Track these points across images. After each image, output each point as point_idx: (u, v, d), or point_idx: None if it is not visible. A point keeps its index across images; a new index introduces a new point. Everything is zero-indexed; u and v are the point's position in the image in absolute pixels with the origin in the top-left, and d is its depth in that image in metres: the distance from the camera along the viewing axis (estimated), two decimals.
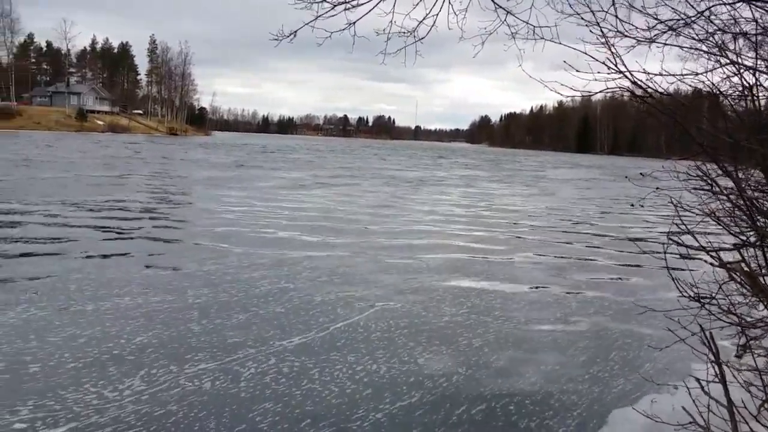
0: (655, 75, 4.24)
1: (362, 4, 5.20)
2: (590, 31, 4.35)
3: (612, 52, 4.18)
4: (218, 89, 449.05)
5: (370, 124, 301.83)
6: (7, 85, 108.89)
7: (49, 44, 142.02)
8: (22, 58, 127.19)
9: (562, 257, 14.42)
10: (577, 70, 4.18)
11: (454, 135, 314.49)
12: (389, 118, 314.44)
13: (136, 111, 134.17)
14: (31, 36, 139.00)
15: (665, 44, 4.45)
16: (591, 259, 14.27)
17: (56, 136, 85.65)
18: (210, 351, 7.12)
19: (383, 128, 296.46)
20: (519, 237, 17.14)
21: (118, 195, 21.99)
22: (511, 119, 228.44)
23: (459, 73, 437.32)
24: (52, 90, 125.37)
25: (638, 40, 4.46)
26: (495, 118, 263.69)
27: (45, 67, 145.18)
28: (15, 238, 13.15)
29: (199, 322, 8.16)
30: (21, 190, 21.73)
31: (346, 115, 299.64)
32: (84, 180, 26.90)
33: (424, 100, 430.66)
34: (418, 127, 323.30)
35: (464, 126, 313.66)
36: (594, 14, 4.34)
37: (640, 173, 5.07)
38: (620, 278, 12.40)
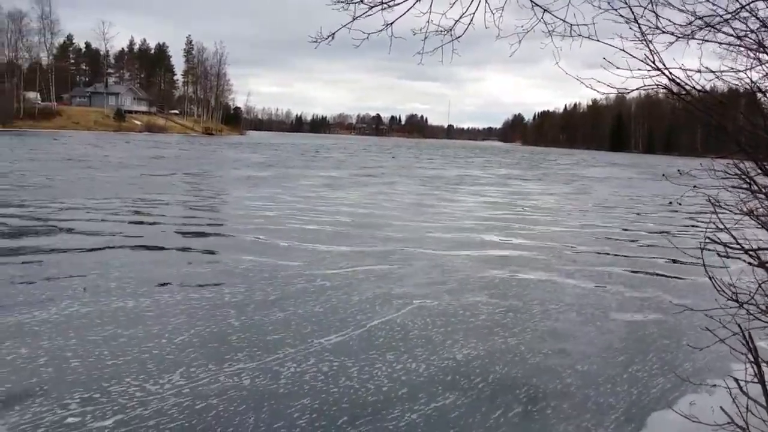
0: (694, 72, 4.22)
1: (399, 4, 5.25)
2: (629, 27, 4.34)
3: (650, 49, 4.18)
4: (252, 89, 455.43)
5: (403, 122, 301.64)
6: (47, 86, 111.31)
7: (88, 45, 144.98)
8: (61, 59, 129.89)
9: (600, 255, 14.32)
10: (617, 68, 4.18)
11: (487, 133, 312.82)
12: (422, 116, 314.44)
13: (172, 111, 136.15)
14: (70, 37, 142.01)
15: (704, 41, 4.42)
16: (629, 258, 14.13)
17: (96, 135, 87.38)
18: (249, 349, 7.23)
19: (416, 127, 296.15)
20: (556, 235, 17.03)
21: (158, 193, 22.41)
22: (544, 117, 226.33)
23: (492, 71, 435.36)
24: (91, 90, 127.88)
25: (676, 37, 4.44)
26: (528, 117, 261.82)
27: (84, 68, 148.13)
28: (60, 236, 13.47)
29: (238, 318, 8.30)
30: (67, 189, 22.27)
31: (378, 114, 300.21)
32: (129, 179, 27.44)
33: (456, 98, 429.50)
34: (450, 126, 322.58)
35: (497, 124, 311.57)
36: (632, 10, 4.33)
37: (678, 171, 5.04)
38: (658, 277, 12.26)
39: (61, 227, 14.60)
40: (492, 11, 5.23)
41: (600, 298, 10.39)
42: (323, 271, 11.24)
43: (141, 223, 15.83)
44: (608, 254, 14.55)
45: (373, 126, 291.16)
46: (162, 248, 12.86)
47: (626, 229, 19.02)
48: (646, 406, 6.32)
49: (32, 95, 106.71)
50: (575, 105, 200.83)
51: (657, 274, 12.54)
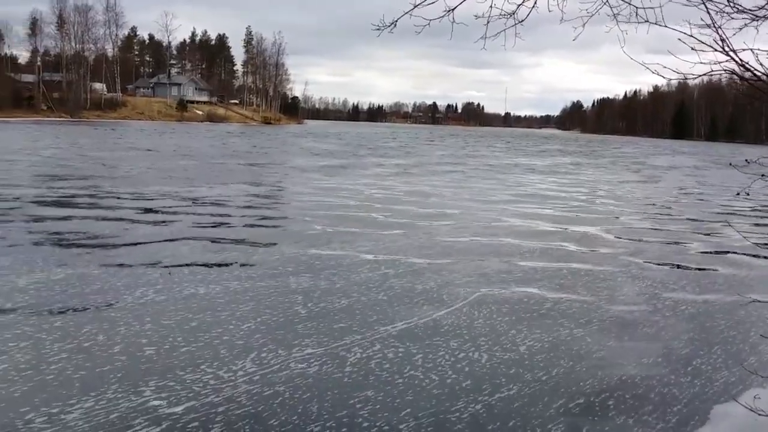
0: (765, 55, 4.08)
1: None
2: (698, 8, 4.22)
3: (719, 34, 4.07)
4: (310, 78, 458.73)
5: (459, 111, 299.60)
6: (112, 77, 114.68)
7: (151, 37, 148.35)
8: (126, 51, 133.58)
9: (672, 246, 13.98)
10: (691, 49, 4.08)
11: (545, 121, 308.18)
12: (478, 104, 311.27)
13: (232, 101, 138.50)
14: (134, 29, 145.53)
15: None
16: (700, 249, 13.74)
17: (160, 125, 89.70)
18: (316, 336, 7.31)
19: (472, 115, 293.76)
20: (627, 224, 16.72)
21: (231, 182, 22.87)
22: (603, 105, 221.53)
23: (549, 57, 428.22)
24: (155, 81, 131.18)
25: (749, 19, 4.29)
26: (587, 104, 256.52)
27: (147, 59, 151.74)
28: (134, 224, 13.87)
29: (305, 306, 8.39)
30: (142, 178, 22.97)
31: (435, 103, 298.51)
32: (198, 167, 28.14)
33: (513, 85, 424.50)
34: (507, 114, 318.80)
35: (554, 112, 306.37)
36: None
37: (745, 160, 4.90)
38: (729, 268, 11.92)
39: (135, 216, 15.02)
40: None
41: (669, 289, 10.13)
42: (386, 259, 11.28)
43: (212, 213, 16.14)
44: (679, 244, 14.18)
45: (429, 114, 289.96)
46: (232, 236, 13.09)
47: (696, 219, 18.50)
48: (709, 399, 6.18)
49: (98, 86, 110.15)
50: (635, 92, 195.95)
51: (726, 265, 12.18)
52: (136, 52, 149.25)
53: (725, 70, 4.13)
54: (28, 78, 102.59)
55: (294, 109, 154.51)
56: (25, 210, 15.17)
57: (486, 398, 5.95)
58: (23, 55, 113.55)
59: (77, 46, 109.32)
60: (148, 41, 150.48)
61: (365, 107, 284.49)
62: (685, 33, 4.13)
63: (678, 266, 11.94)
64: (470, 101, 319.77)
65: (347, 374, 6.34)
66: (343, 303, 8.62)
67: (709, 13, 4.14)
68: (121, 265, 10.22)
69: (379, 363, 6.64)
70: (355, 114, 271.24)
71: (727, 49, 3.99)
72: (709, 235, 15.83)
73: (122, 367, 6.27)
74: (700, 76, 4.28)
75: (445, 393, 6.02)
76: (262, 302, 8.50)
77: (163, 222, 14.29)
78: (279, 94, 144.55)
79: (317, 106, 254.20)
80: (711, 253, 13.51)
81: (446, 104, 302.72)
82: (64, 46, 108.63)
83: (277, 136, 71.96)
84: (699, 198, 25.08)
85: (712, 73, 4.20)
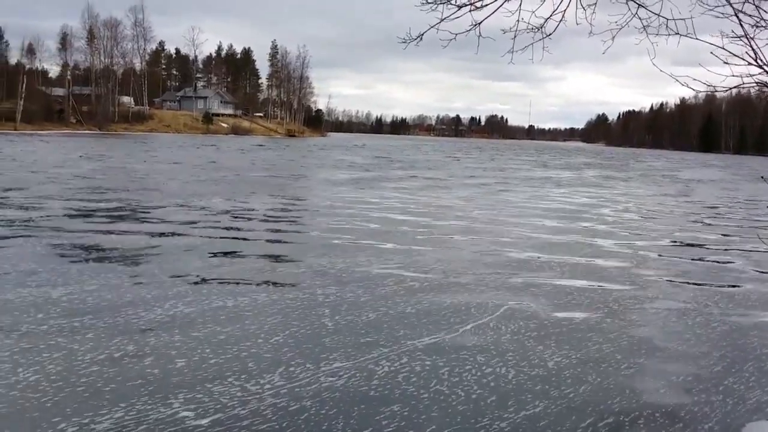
0: None
1: (487, 5, 5.22)
2: (730, 20, 4.19)
3: (751, 46, 4.03)
4: (333, 91, 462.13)
5: (482, 123, 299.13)
6: (140, 91, 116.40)
7: (178, 51, 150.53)
8: (153, 65, 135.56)
9: (703, 261, 13.79)
10: (722, 63, 4.04)
11: (569, 134, 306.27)
12: (502, 117, 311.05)
13: (257, 114, 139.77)
14: (161, 43, 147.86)
15: None
16: (736, 264, 13.56)
17: (187, 138, 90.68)
18: (344, 349, 7.29)
19: (495, 128, 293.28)
20: (659, 239, 16.52)
21: (254, 193, 23.03)
22: (629, 117, 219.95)
23: (573, 69, 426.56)
24: (181, 95, 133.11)
25: None
26: (612, 117, 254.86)
27: (174, 72, 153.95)
28: (163, 237, 14.00)
29: (332, 319, 8.40)
30: (174, 191, 23.24)
31: (458, 115, 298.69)
32: (227, 180, 28.41)
33: (537, 98, 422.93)
34: (531, 127, 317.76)
35: (579, 125, 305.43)
36: (731, 5, 4.18)
37: None
38: (761, 285, 11.72)
39: (166, 229, 15.16)
40: (584, 7, 5.13)
41: (702, 305, 9.97)
42: (413, 273, 11.24)
43: (241, 225, 16.26)
44: (714, 261, 13.97)
45: (453, 127, 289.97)
46: (259, 248, 13.17)
47: (730, 234, 18.24)
48: (741, 417, 6.05)
49: (126, 99, 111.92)
50: (662, 104, 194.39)
51: (762, 282, 11.98)
52: (163, 66, 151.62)
53: (758, 83, 4.09)
54: (59, 92, 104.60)
55: (318, 122, 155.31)
56: (63, 222, 15.38)
57: (511, 415, 5.87)
58: (54, 70, 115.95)
59: (106, 60, 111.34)
60: (174, 55, 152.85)
61: (388, 120, 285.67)
62: (716, 45, 4.10)
63: (711, 283, 11.74)
64: (494, 114, 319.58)
65: (374, 388, 6.31)
66: (370, 316, 8.61)
67: (741, 25, 4.11)
68: (151, 276, 10.32)
69: (406, 377, 6.60)
70: (378, 127, 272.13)
71: (760, 62, 3.96)
72: (743, 251, 15.60)
73: (152, 378, 6.31)
74: (731, 88, 4.25)
75: (470, 409, 5.96)
76: (290, 315, 8.53)
77: (193, 234, 14.40)
78: (303, 107, 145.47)
79: (341, 118, 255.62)
80: (745, 269, 13.29)
81: (470, 117, 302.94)
82: (94, 60, 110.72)
83: (301, 149, 72.35)
84: (732, 212, 24.74)
85: (744, 85, 4.17)
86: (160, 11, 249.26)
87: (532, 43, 5.34)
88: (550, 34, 5.30)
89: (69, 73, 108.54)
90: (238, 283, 10.09)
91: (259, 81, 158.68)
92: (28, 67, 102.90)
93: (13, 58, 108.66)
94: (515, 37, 5.30)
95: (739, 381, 6.96)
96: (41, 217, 15.97)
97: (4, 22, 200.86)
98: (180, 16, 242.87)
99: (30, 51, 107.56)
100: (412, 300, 9.52)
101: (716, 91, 4.36)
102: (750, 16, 4.16)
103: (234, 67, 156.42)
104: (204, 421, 5.47)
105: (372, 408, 5.89)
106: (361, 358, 7.07)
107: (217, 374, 6.45)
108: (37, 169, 30.50)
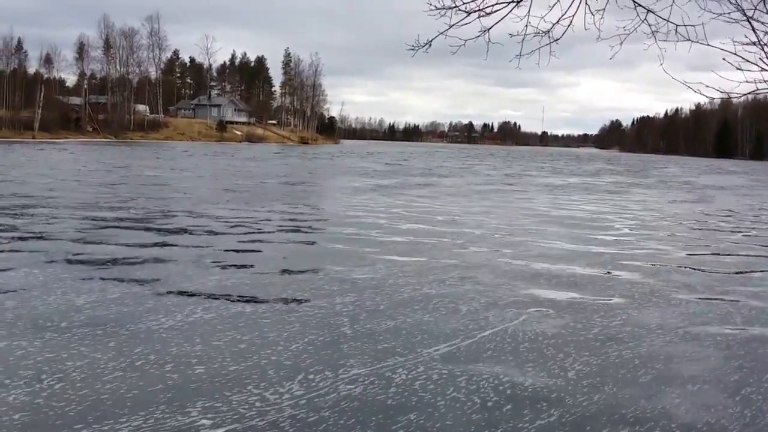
0: None
1: (496, 11, 5.25)
2: (741, 25, 4.18)
3: (764, 52, 4.03)
4: (346, 98, 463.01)
5: (495, 130, 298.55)
6: (155, 99, 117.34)
7: (192, 60, 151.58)
8: (168, 73, 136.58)
9: (729, 268, 13.63)
10: (735, 68, 4.04)
11: (582, 140, 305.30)
12: (514, 123, 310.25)
13: (270, 121, 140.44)
14: (176, 52, 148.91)
15: None
16: (759, 271, 13.51)
17: (202, 145, 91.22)
18: (361, 357, 7.31)
19: (508, 134, 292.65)
20: (681, 248, 16.38)
21: (273, 200, 23.12)
22: (643, 123, 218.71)
23: (586, 75, 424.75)
24: (195, 103, 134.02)
25: None
26: (625, 123, 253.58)
27: (189, 81, 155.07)
28: (182, 244, 14.07)
29: (351, 326, 8.42)
30: (197, 198, 23.40)
31: (471, 122, 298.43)
32: (244, 187, 28.58)
33: (549, 104, 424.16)
34: (544, 133, 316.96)
35: (593, 131, 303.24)
36: (743, 11, 4.18)
37: None
38: None
39: (187, 237, 15.28)
40: (592, 12, 5.14)
41: (723, 316, 9.87)
42: (430, 280, 11.26)
43: (259, 232, 16.30)
44: (737, 268, 13.83)
45: (465, 134, 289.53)
46: (278, 255, 13.22)
47: (752, 243, 18.08)
48: (759, 429, 6.00)
49: (141, 108, 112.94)
50: (677, 110, 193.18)
51: None
52: (178, 75, 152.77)
53: None
54: (75, 100, 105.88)
55: (331, 129, 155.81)
56: (88, 230, 15.53)
57: (526, 425, 5.85)
58: (71, 79, 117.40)
59: (122, 69, 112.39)
60: (189, 64, 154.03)
61: (401, 127, 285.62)
62: (728, 51, 4.10)
63: (733, 292, 11.61)
64: (507, 120, 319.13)
65: (391, 396, 6.32)
66: (388, 324, 8.63)
67: (754, 30, 4.11)
68: (172, 284, 10.38)
69: (423, 385, 6.61)
70: (391, 134, 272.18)
71: None
72: (763, 255, 15.50)
73: (172, 386, 6.35)
74: (744, 95, 4.24)
75: (485, 419, 5.95)
76: (309, 323, 8.56)
77: (213, 242, 14.48)
78: (316, 115, 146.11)
79: (353, 125, 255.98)
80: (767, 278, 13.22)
81: (482, 123, 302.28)
82: (110, 69, 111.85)
83: (315, 156, 72.58)
84: (756, 220, 24.52)
85: (758, 91, 4.16)
86: (174, 20, 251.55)
87: (539, 48, 5.37)
88: (557, 39, 5.32)
89: (85, 82, 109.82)
90: (257, 290, 10.14)
91: (273, 89, 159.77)
92: (45, 76, 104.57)
93: (32, 68, 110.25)
94: (523, 41, 5.33)
95: (757, 391, 6.88)
96: (67, 226, 16.10)
97: (23, 32, 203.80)
98: (193, 24, 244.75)
99: (48, 61, 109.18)
100: (430, 307, 9.53)
101: (729, 97, 4.34)
102: (762, 23, 4.16)
103: (248, 75, 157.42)
104: (220, 431, 5.50)
105: (389, 417, 5.89)
106: (379, 365, 7.08)
107: (236, 382, 6.48)
108: (60, 177, 30.85)
